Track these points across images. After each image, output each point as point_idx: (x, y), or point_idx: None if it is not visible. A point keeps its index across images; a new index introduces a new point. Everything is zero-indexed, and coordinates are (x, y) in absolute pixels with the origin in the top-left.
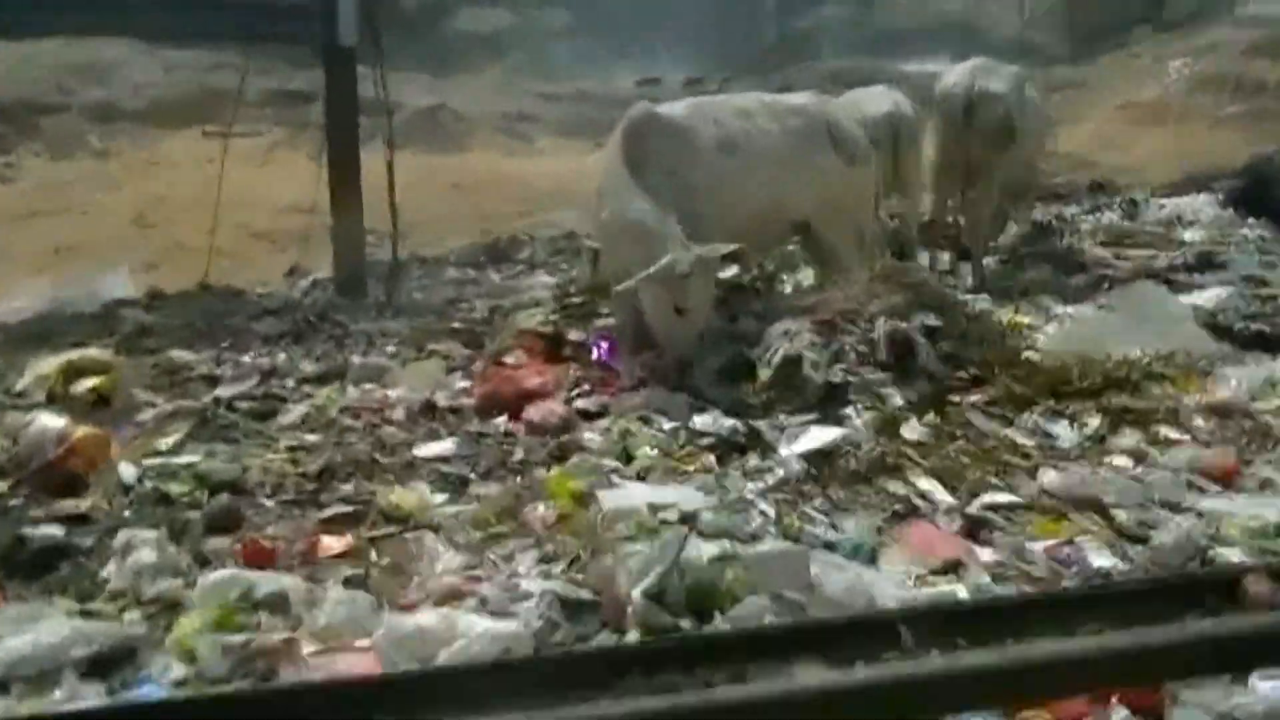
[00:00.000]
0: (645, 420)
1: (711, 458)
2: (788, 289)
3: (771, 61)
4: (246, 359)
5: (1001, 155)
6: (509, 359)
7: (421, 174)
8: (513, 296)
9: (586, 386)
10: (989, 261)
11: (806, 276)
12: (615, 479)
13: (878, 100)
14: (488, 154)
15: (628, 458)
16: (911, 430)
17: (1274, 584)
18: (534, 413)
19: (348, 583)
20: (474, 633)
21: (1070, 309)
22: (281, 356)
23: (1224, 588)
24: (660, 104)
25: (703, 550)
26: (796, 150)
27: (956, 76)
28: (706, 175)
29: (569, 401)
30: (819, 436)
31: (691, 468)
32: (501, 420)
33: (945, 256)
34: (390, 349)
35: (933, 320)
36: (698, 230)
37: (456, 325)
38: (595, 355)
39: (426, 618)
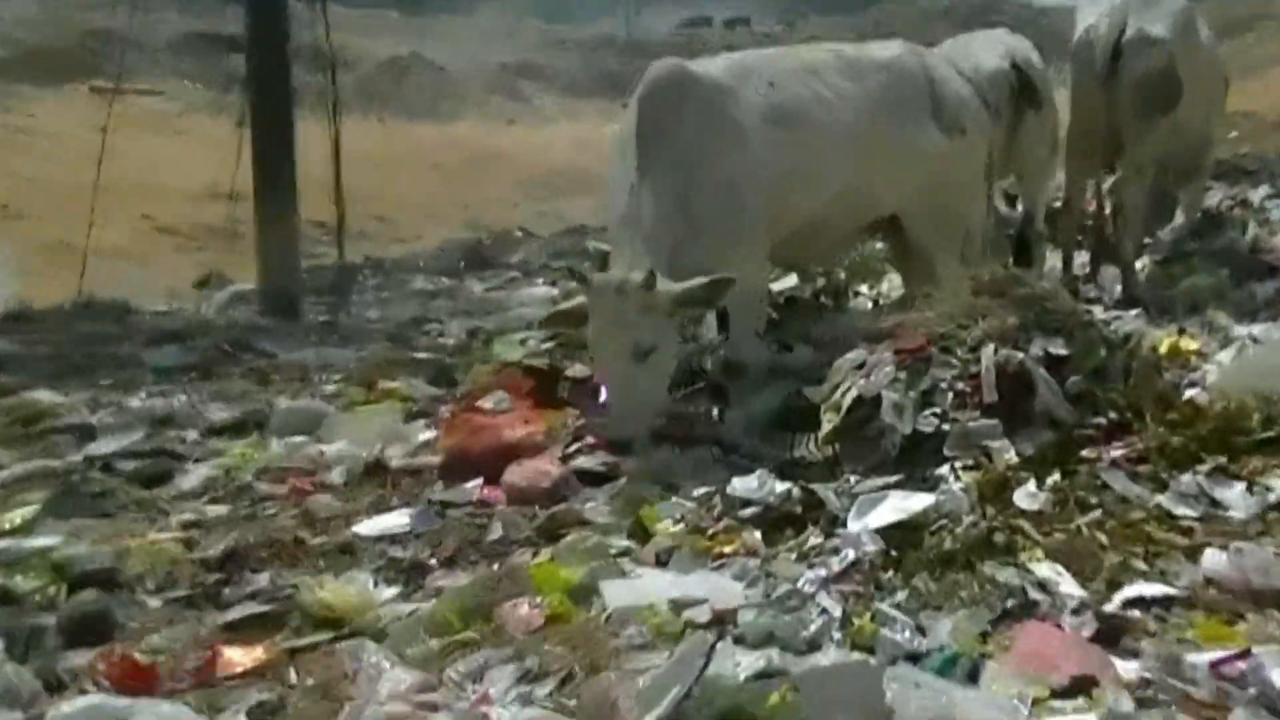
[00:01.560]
0: (668, 485)
1: (756, 535)
2: (864, 305)
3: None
4: (134, 402)
5: (1161, 120)
6: (486, 402)
7: (387, 148)
8: (497, 315)
9: (589, 440)
10: (1143, 264)
11: (890, 288)
12: (625, 565)
13: (993, 49)
14: (476, 121)
15: (643, 536)
16: (1028, 497)
17: None
18: (518, 475)
19: (256, 712)
20: None
21: (1253, 329)
22: (181, 399)
23: None
24: (698, 59)
25: (741, 664)
26: (882, 119)
27: (1101, 15)
28: (751, 157)
29: (565, 460)
30: (902, 506)
31: (729, 549)
32: (474, 485)
33: (1082, 258)
34: (330, 388)
35: (1059, 347)
36: (735, 236)
37: (420, 355)
38: (603, 398)
39: None
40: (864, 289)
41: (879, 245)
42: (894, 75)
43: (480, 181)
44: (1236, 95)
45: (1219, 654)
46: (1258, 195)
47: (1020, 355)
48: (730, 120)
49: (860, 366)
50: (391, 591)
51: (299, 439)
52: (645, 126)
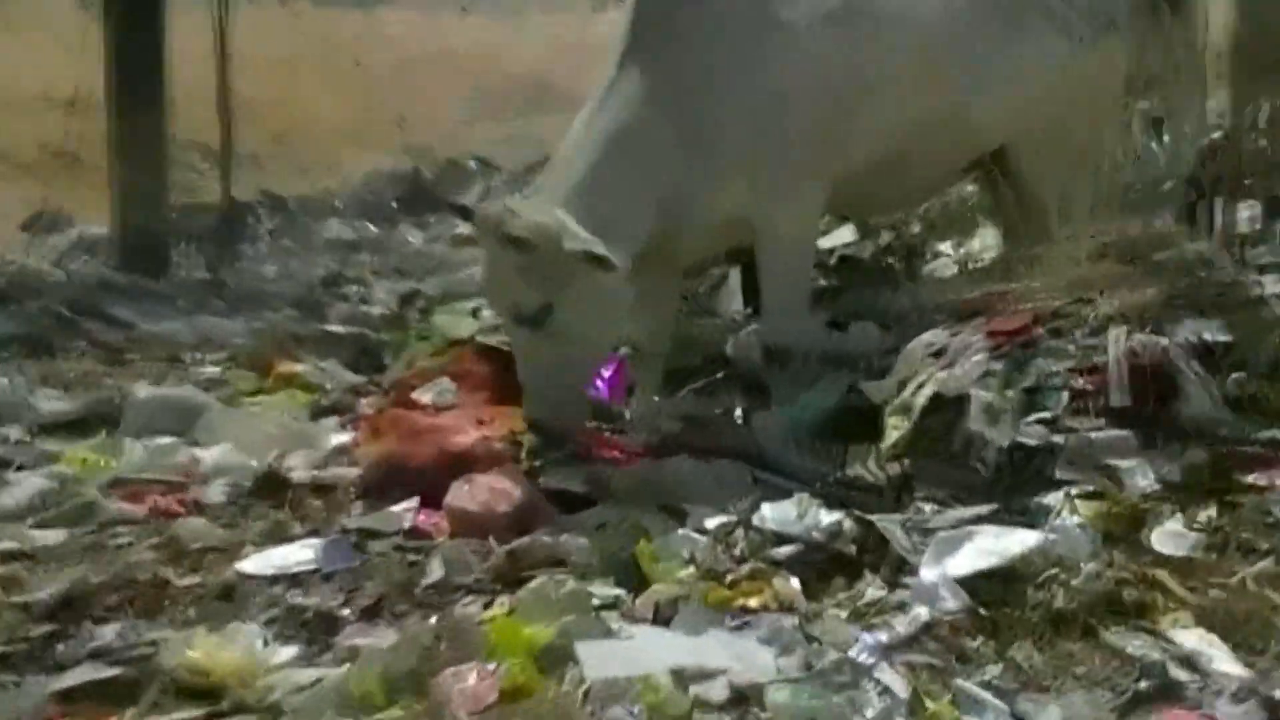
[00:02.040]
0: (672, 511)
1: (793, 584)
2: (946, 269)
3: None
4: None
5: None
6: (424, 394)
7: (292, 44)
8: (441, 276)
9: (567, 447)
10: None
11: (982, 246)
12: (613, 622)
13: None
14: (417, 9)
15: (639, 582)
16: (1171, 539)
17: None
18: (467, 496)
19: None
20: None
21: None
22: (2, 383)
23: None
24: None
25: None
26: (983, 23)
27: None
28: (800, 66)
29: (533, 474)
30: (995, 548)
31: (756, 601)
32: (406, 509)
33: (1251, 209)
34: (210, 371)
35: (1215, 332)
36: (772, 173)
37: (334, 329)
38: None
39: None
40: (946, 247)
41: (970, 189)
42: None
43: (421, 92)
44: None
45: None
46: None
47: (1162, 342)
48: (769, 14)
49: (940, 354)
50: (290, 652)
51: (165, 441)
52: (643, 18)
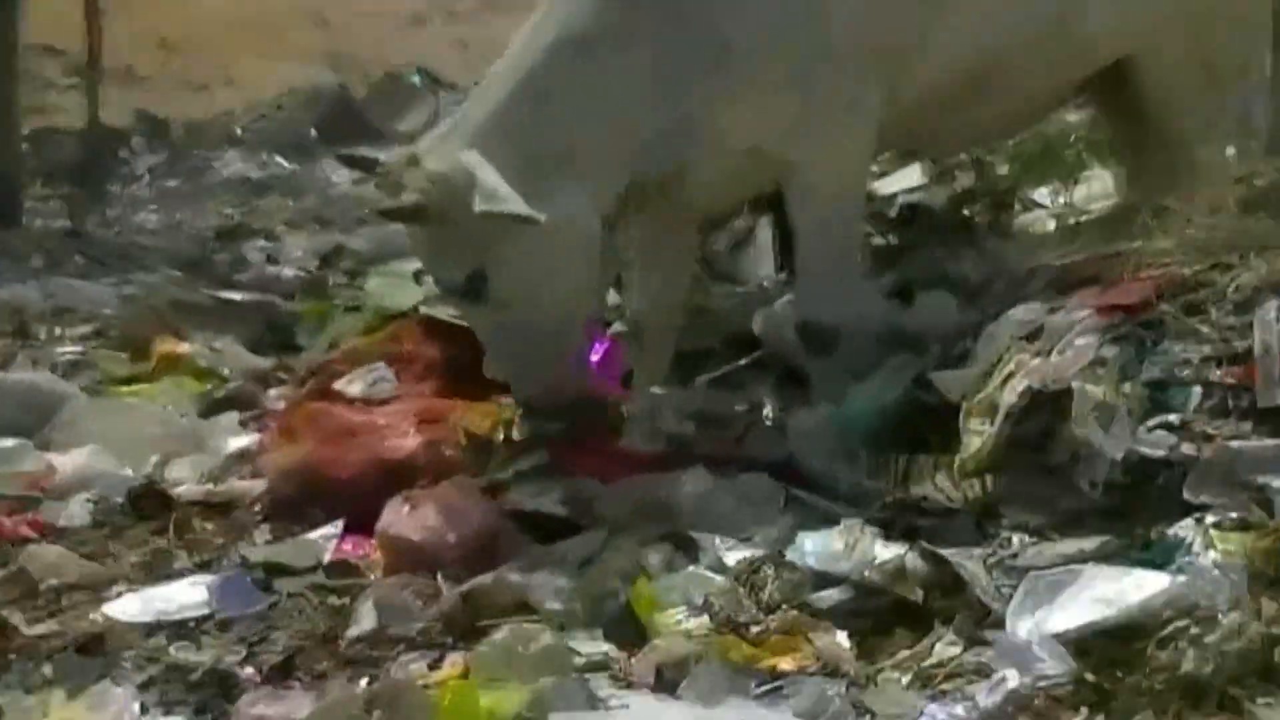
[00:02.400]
0: (680, 542)
1: (841, 638)
2: (1044, 223)
3: None
4: None
5: None
6: (353, 383)
7: None
8: (376, 227)
9: (541, 452)
10: None
11: (1092, 194)
12: (602, 686)
13: None
14: None
15: (637, 634)
16: None
17: None
18: (407, 518)
19: None
20: None
21: None
22: None
23: None
24: None
25: None
26: None
27: None
28: None
29: (495, 492)
30: (1107, 592)
31: (789, 661)
32: (328, 535)
33: None
34: (70, 348)
35: None
36: (804, 95)
37: (234, 296)
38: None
39: None
40: (1044, 195)
41: (1077, 118)
42: None
43: None
44: None
45: None
46: None
47: None
48: None
49: (1035, 336)
50: None
51: (9, 443)
52: None
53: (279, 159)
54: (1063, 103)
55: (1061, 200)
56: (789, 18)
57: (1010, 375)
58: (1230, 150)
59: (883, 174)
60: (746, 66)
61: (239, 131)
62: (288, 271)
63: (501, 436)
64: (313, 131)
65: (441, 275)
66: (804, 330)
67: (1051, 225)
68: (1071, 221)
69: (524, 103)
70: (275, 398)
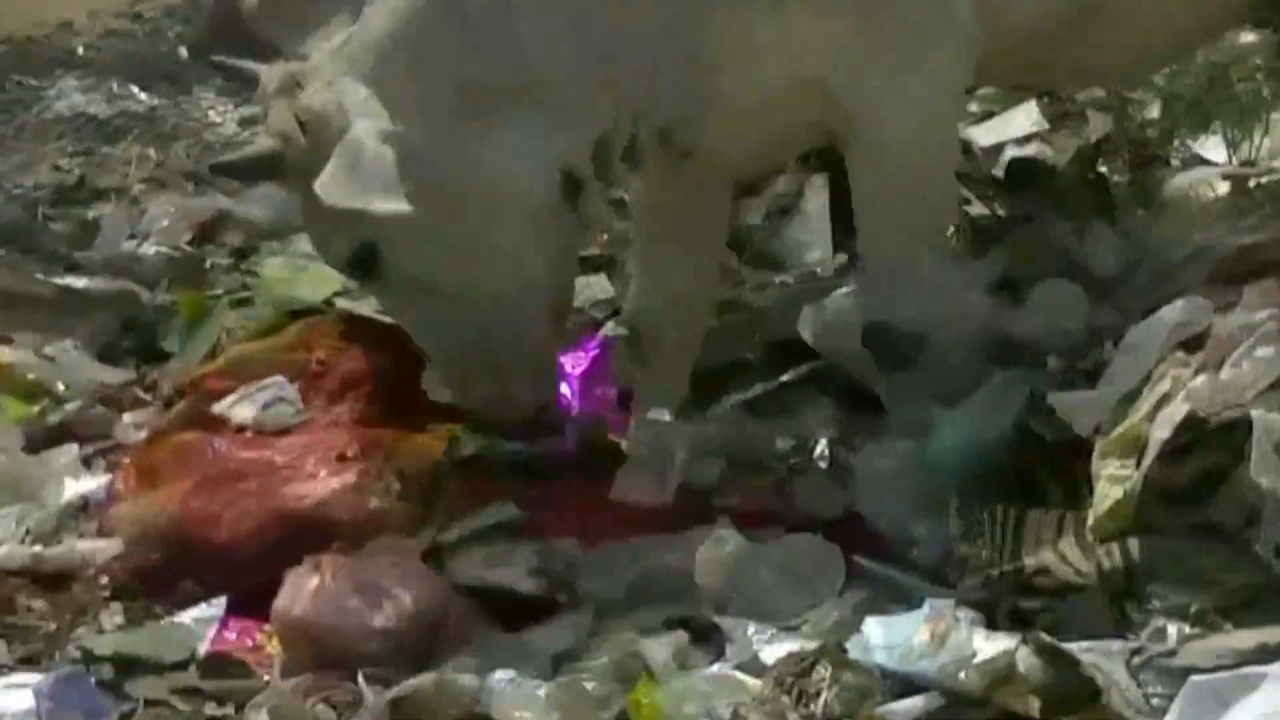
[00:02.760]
0: (696, 630)
1: None
2: (1209, 189)
3: None
4: None
5: None
6: (241, 404)
7: None
8: (276, 191)
9: (507, 503)
10: None
11: (1274, 148)
12: None
13: None
14: None
15: None
16: None
17: None
18: (316, 595)
19: None
20: None
21: None
22: None
23: None
24: None
25: None
26: None
27: None
28: None
29: (440, 555)
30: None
31: None
32: (203, 615)
33: None
34: None
35: None
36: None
37: (75, 283)
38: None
39: None
40: (1208, 148)
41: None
42: None
43: None
44: None
45: None
46: None
47: None
48: None
49: (1195, 345)
50: None
51: None
52: None
53: (136, 90)
54: (1223, 28)
55: (1235, 155)
56: None
57: (1163, 399)
58: None
59: (985, 116)
60: None
61: (80, 51)
62: (151, 249)
63: (450, 480)
64: (183, 51)
65: (322, 245)
66: (873, 335)
67: (1220, 190)
68: (1249, 184)
69: (453, 8)
70: (132, 425)
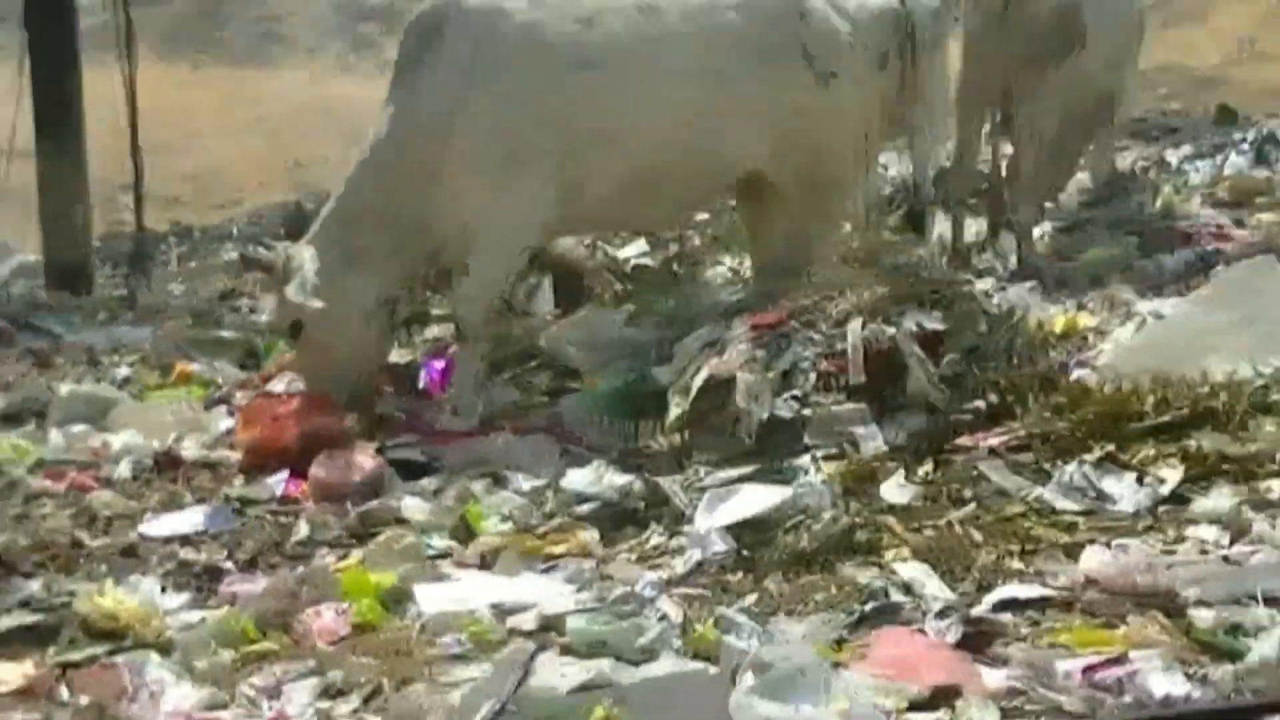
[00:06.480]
0: (496, 479)
1: (592, 534)
2: (723, 273)
3: None
4: None
5: (1060, 68)
6: (278, 383)
7: (204, 99)
8: None
9: (410, 429)
10: (1043, 231)
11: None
12: (445, 568)
13: None
14: (310, 70)
15: (467, 535)
16: (896, 490)
17: None
18: (325, 469)
19: None
20: None
21: (1158, 305)
22: None
23: None
24: None
25: (566, 675)
26: (735, 62)
27: None
28: (553, 108)
29: (382, 451)
30: (754, 500)
31: (561, 549)
32: (278, 480)
33: (978, 224)
34: (123, 371)
35: (933, 322)
36: (532, 198)
37: (226, 334)
38: (423, 381)
39: None
40: (726, 259)
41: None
42: (756, 11)
43: (313, 137)
44: (1166, 46)
45: (1094, 659)
46: (1176, 156)
47: (890, 331)
48: (507, 57)
49: (713, 345)
50: (181, 599)
51: (81, 429)
52: (404, 63)
53: (261, 249)
54: (728, 196)
55: (736, 261)
56: (483, 144)
57: (697, 369)
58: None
59: (622, 244)
60: (460, 171)
61: (235, 232)
62: (262, 319)
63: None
64: (281, 231)
65: (278, 324)
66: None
67: (725, 275)
68: (742, 275)
69: (339, 209)
70: (240, 397)
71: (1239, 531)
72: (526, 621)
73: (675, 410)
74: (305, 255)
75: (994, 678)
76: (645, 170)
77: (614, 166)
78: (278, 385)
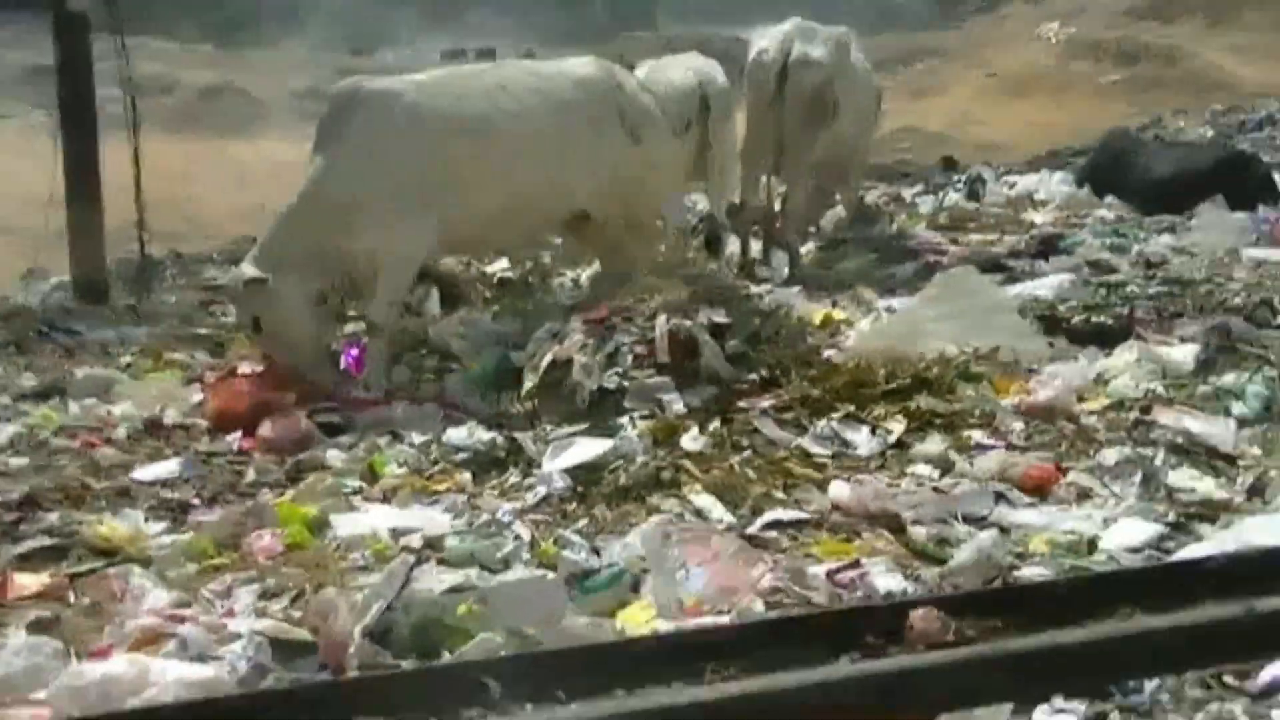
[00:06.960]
0: (396, 435)
1: (466, 476)
2: (569, 284)
3: (603, 30)
4: None
5: (819, 130)
6: (244, 365)
7: (202, 161)
8: None
9: (332, 399)
10: (809, 249)
11: (591, 272)
12: (356, 502)
13: (685, 70)
14: (279, 138)
15: (372, 478)
16: (692, 440)
17: (945, 622)
18: (270, 429)
19: (35, 627)
20: (166, 679)
21: (892, 302)
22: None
23: (891, 623)
24: (400, 76)
25: (444, 581)
26: (567, 127)
27: (769, 41)
28: (433, 164)
29: (311, 415)
30: (587, 449)
31: (443, 487)
32: (234, 438)
33: (757, 246)
34: (126, 360)
35: (721, 316)
36: (421, 229)
37: (203, 331)
38: (343, 363)
39: (116, 665)
40: (568, 272)
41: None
42: (584, 90)
43: (280, 187)
44: (908, 114)
45: (834, 564)
46: (909, 193)
47: (689, 323)
48: (414, 129)
49: (556, 335)
50: (160, 526)
51: (91, 401)
52: (322, 136)
53: (232, 269)
54: (567, 228)
55: (574, 274)
56: (386, 189)
57: (545, 353)
58: (660, 246)
59: (490, 262)
60: (364, 211)
61: (215, 256)
62: (230, 320)
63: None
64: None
65: (240, 319)
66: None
67: (571, 286)
68: (581, 284)
69: (274, 234)
70: (208, 377)
71: (946, 468)
72: (415, 541)
73: (528, 383)
74: (243, 264)
75: (765, 580)
76: (503, 209)
77: (480, 207)
78: (243, 368)
